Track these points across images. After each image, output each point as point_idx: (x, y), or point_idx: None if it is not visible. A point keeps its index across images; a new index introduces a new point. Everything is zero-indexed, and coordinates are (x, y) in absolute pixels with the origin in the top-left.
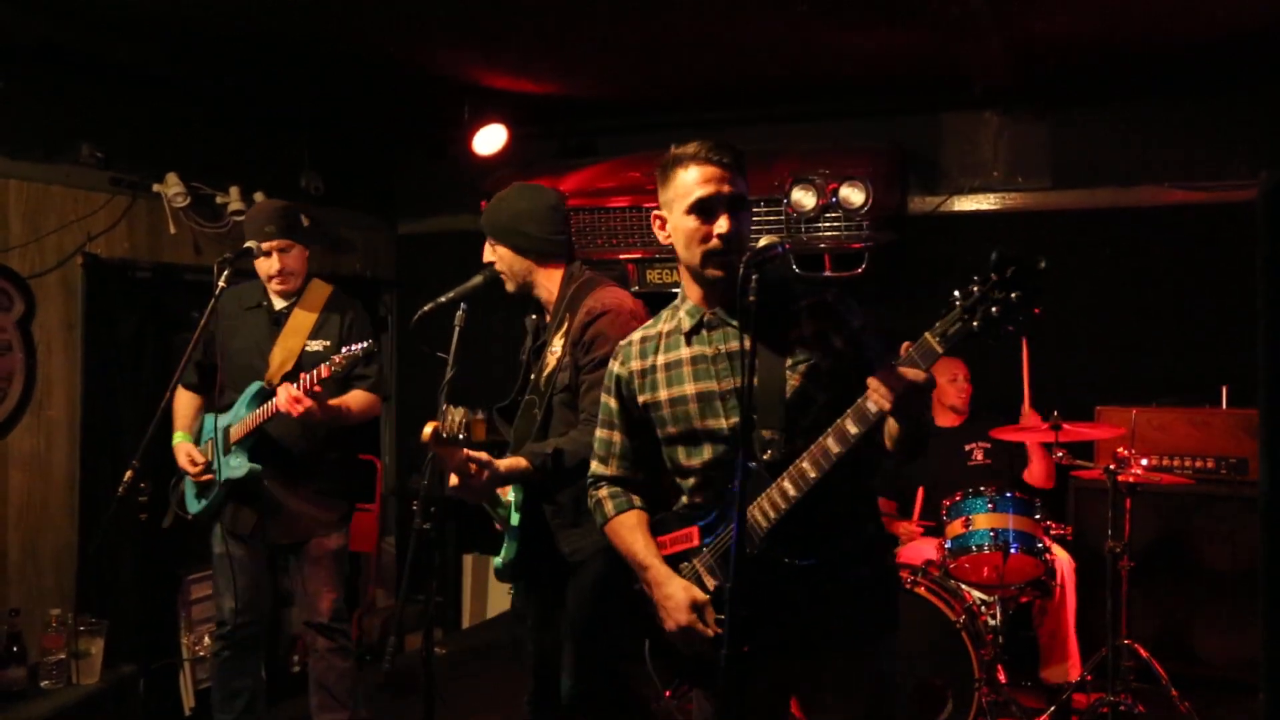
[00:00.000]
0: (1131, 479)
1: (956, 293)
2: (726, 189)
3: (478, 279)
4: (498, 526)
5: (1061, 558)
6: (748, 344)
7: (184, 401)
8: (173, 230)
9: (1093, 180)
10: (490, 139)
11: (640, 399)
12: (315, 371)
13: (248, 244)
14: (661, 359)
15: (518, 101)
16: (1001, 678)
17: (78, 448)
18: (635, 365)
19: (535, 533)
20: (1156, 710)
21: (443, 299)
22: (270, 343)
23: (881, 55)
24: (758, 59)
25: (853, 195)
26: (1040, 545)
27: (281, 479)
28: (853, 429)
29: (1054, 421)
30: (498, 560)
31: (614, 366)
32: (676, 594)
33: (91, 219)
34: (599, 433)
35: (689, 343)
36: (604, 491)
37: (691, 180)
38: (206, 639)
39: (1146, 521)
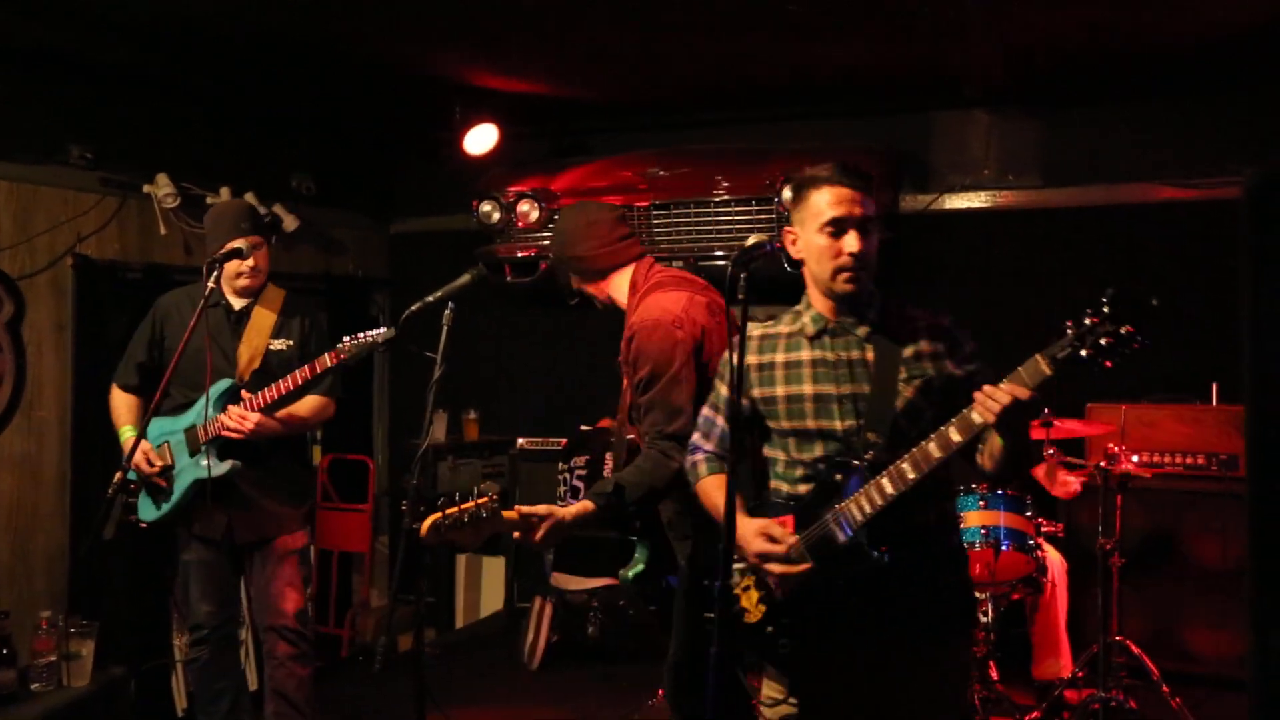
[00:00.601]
0: (1122, 476)
1: (1070, 321)
2: (858, 211)
3: (465, 277)
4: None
5: (1053, 556)
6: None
7: (125, 403)
8: (163, 231)
9: (1083, 178)
10: (482, 138)
11: (755, 392)
12: (325, 356)
13: (236, 244)
14: (782, 357)
15: (510, 101)
16: (994, 675)
17: (68, 449)
18: (752, 360)
19: (664, 543)
20: (1148, 706)
21: (430, 298)
22: (233, 342)
23: (873, 56)
24: (750, 60)
25: None
26: (1031, 542)
27: (252, 477)
28: (955, 436)
29: (1045, 418)
30: (629, 574)
31: (730, 358)
32: (747, 532)
33: (82, 220)
34: (705, 410)
35: (812, 346)
36: (700, 456)
37: (825, 202)
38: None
39: (1137, 518)
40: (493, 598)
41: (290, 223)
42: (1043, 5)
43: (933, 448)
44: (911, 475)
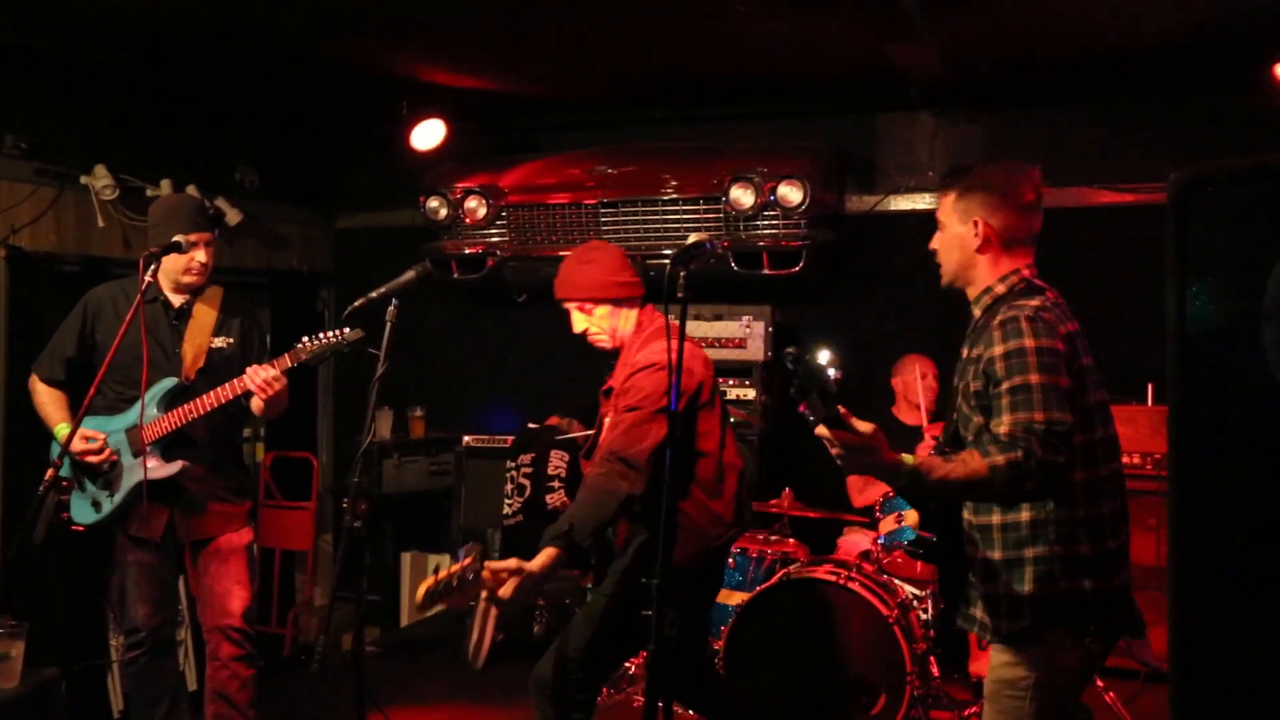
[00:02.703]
0: None
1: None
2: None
3: (409, 274)
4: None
5: None
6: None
7: (53, 399)
8: (101, 223)
9: None
10: (429, 134)
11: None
12: (292, 353)
13: (176, 238)
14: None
15: (457, 97)
16: (934, 671)
17: None
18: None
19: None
20: (1082, 700)
21: (374, 294)
22: (175, 340)
23: (820, 57)
24: (699, 58)
25: (791, 194)
26: None
27: (195, 476)
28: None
29: None
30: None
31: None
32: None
33: (16, 211)
34: None
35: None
36: None
37: None
38: None
39: None
40: None
41: (233, 216)
42: (980, 8)
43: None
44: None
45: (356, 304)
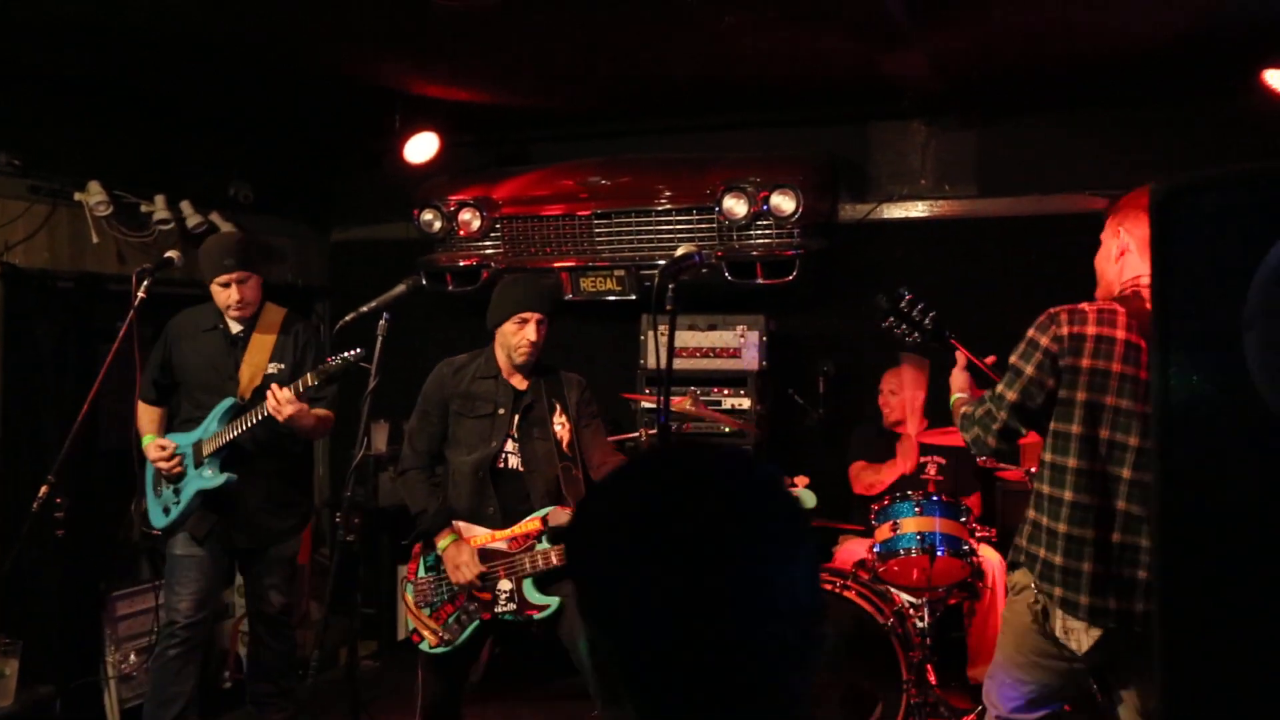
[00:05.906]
0: None
1: None
2: None
3: (400, 288)
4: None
5: (991, 559)
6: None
7: (147, 414)
8: (95, 240)
9: (1017, 188)
10: (422, 147)
11: None
12: (302, 380)
13: (169, 255)
14: None
15: (450, 110)
16: (931, 679)
17: None
18: None
19: None
20: (1079, 705)
21: (364, 308)
22: (233, 364)
23: (811, 66)
24: (688, 70)
25: (784, 203)
26: (966, 547)
27: (248, 487)
28: None
29: None
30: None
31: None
32: None
33: (9, 228)
34: None
35: None
36: None
37: None
38: (133, 656)
39: None
40: None
41: (227, 231)
42: (969, 15)
43: None
44: None
45: (348, 318)
